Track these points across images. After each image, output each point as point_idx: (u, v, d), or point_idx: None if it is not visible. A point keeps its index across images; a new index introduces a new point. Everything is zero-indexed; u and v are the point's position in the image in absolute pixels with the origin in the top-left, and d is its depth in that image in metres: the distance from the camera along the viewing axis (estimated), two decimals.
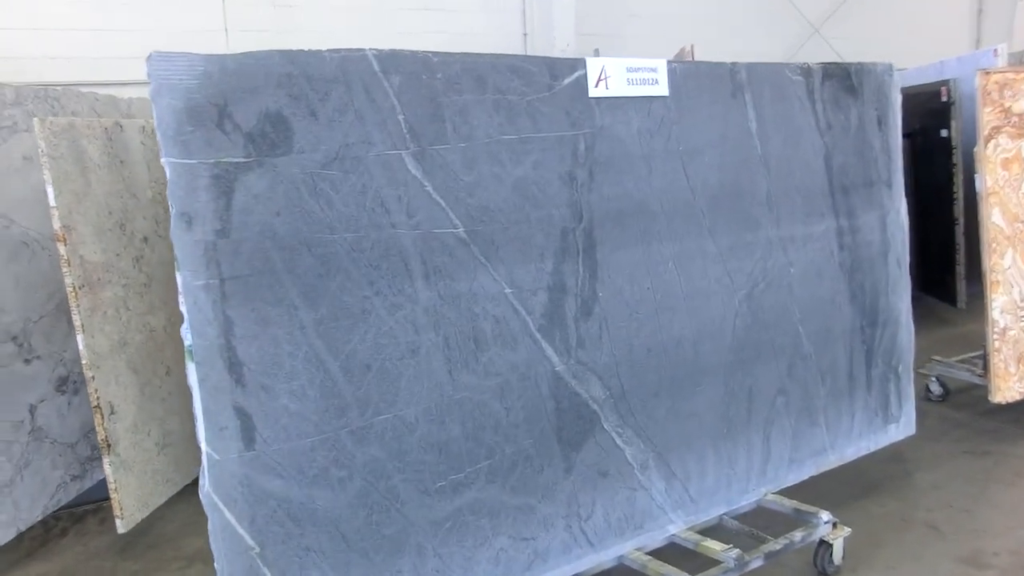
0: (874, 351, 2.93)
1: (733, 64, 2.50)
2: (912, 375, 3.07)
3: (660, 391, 2.36)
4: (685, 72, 2.39)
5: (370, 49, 1.85)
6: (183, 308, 1.65)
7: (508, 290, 2.06)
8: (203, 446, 1.68)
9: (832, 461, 2.82)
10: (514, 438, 2.09)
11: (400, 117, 1.89)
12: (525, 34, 6.12)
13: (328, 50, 1.80)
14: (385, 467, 1.89)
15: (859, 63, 2.84)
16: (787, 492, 2.65)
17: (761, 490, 2.62)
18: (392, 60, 1.88)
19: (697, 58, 4.04)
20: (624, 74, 2.25)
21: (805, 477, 2.74)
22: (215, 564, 1.71)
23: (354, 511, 1.85)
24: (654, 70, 2.31)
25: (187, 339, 1.66)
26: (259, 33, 5.19)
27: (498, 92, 2.03)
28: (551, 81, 2.12)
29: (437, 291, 1.95)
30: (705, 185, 2.44)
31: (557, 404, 2.16)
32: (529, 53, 5.99)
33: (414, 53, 1.91)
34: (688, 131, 2.40)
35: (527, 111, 2.08)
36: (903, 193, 3.01)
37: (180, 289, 1.65)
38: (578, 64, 2.17)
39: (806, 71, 2.68)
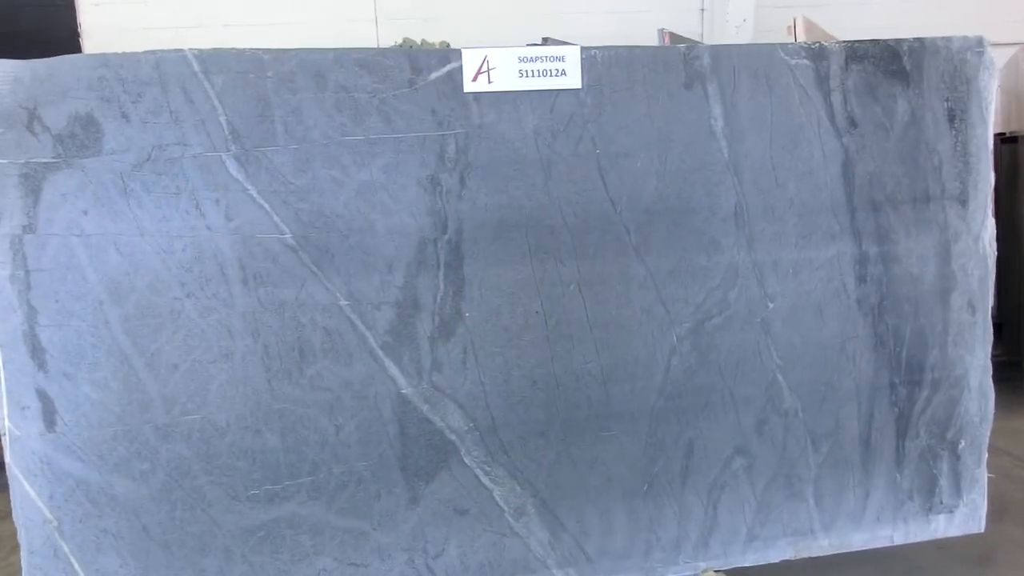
0: (912, 417, 2.25)
1: (689, 47, 2.04)
2: (984, 455, 2.31)
3: (549, 431, 2.06)
4: (610, 60, 2.01)
5: (190, 49, 1.84)
6: None
7: (344, 302, 1.94)
8: (5, 422, 1.84)
9: (824, 547, 2.24)
10: (344, 458, 1.97)
11: (222, 118, 1.85)
12: (703, 9, 5.56)
13: (144, 51, 1.82)
14: (191, 467, 1.91)
15: (916, 39, 2.16)
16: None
17: (699, 564, 2.17)
18: (215, 60, 1.85)
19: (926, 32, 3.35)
20: (515, 65, 1.96)
21: (776, 560, 2.22)
22: (18, 534, 1.87)
23: (156, 504, 1.90)
24: (560, 59, 1.98)
25: None
26: (407, 21, 5.37)
27: (341, 89, 1.90)
28: (412, 76, 1.93)
29: (257, 297, 1.90)
30: (634, 196, 2.05)
31: (402, 429, 1.99)
32: (704, 30, 5.47)
33: (241, 51, 1.86)
34: (611, 131, 2.02)
35: (379, 109, 1.92)
36: (990, 213, 2.24)
37: None
38: (451, 55, 1.94)
39: (815, 53, 2.10)
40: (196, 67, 1.84)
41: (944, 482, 2.28)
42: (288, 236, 1.90)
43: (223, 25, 5.46)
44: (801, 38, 3.28)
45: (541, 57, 1.97)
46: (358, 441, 1.98)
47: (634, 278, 2.07)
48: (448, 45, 3.96)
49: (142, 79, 1.82)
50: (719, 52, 2.06)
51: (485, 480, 2.04)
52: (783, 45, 2.10)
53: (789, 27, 3.45)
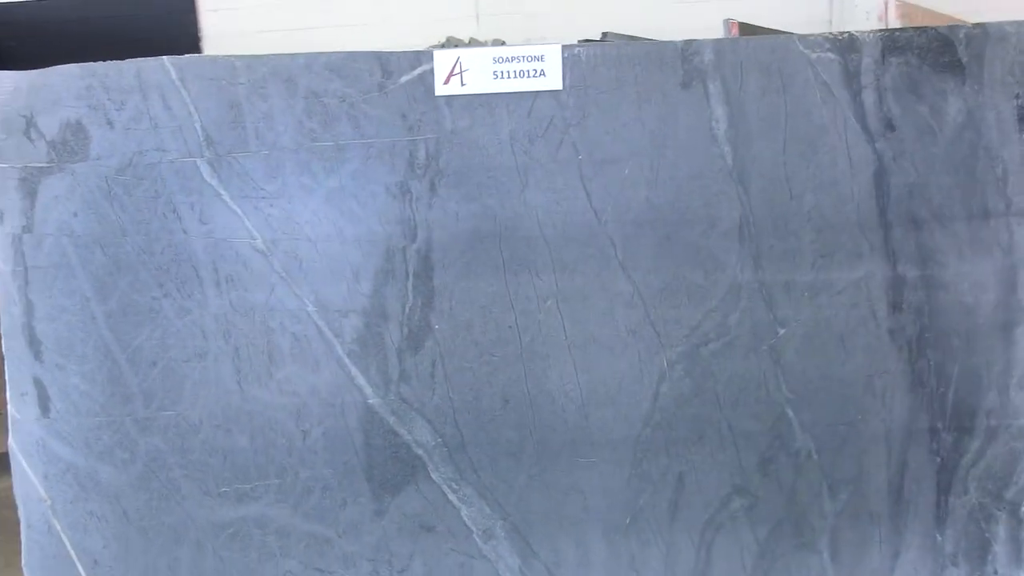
0: (959, 470, 1.92)
1: (688, 42, 1.83)
2: None
3: (522, 453, 1.95)
4: (597, 58, 1.85)
5: (168, 58, 1.88)
6: None
7: (311, 308, 1.92)
8: (8, 406, 1.99)
9: None
10: (311, 463, 1.97)
11: (197, 124, 1.89)
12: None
13: (127, 61, 1.89)
14: (167, 460, 1.98)
15: (976, 25, 1.81)
16: None
17: None
18: (191, 67, 1.88)
19: None
20: (489, 66, 1.85)
21: None
22: (18, 509, 2.03)
23: (136, 492, 1.99)
24: (539, 59, 1.84)
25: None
26: (509, 16, 5.28)
27: (311, 95, 1.87)
28: (383, 79, 1.86)
29: (229, 300, 1.93)
30: (621, 206, 1.88)
31: (367, 440, 1.95)
32: (833, 17, 4.98)
33: (215, 59, 1.88)
34: (595, 135, 1.86)
35: (348, 114, 1.87)
36: None
37: None
38: (423, 57, 1.86)
39: (843, 44, 1.82)
40: (174, 75, 1.88)
41: (1000, 549, 1.93)
42: (259, 241, 1.91)
43: (335, 26, 5.65)
44: (894, 23, 2.87)
45: (518, 57, 1.84)
46: (324, 448, 1.96)
47: (619, 295, 1.90)
48: (501, 42, 3.85)
49: (125, 87, 1.89)
50: (724, 46, 1.83)
51: (453, 498, 1.97)
52: (803, 37, 1.83)
53: (880, 14, 3.02)
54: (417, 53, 1.86)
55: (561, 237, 1.89)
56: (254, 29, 5.47)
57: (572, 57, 1.84)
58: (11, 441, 2.00)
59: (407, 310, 1.92)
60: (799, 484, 1.93)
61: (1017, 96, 1.82)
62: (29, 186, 1.91)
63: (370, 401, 1.94)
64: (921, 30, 1.81)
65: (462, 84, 1.85)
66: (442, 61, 1.85)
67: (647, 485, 1.95)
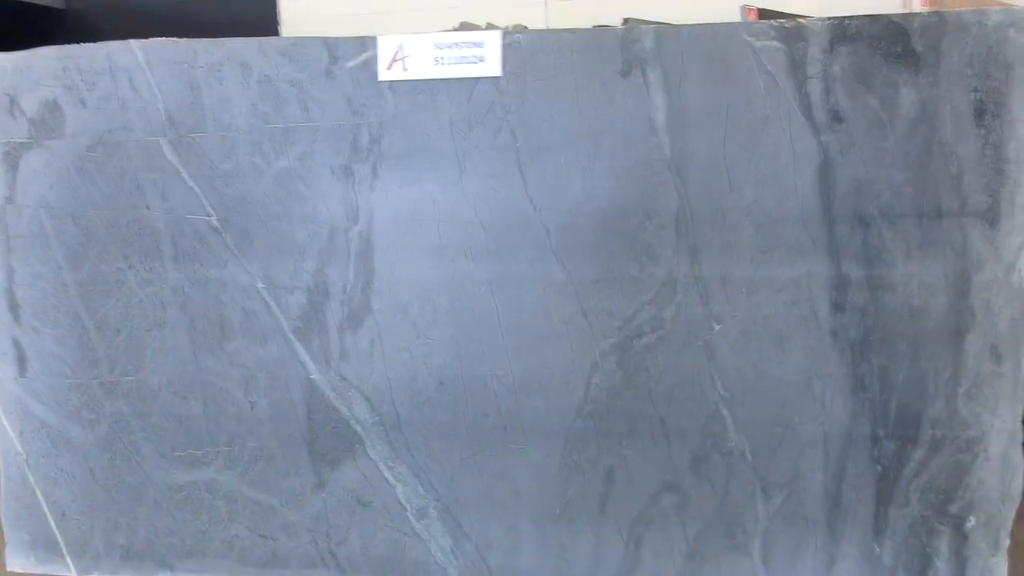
0: (901, 480, 1.84)
1: (628, 29, 1.81)
2: (1005, 541, 1.82)
3: (454, 436, 1.98)
4: (536, 45, 1.85)
5: (135, 41, 1.99)
6: None
7: (260, 284, 2.00)
8: None
9: None
10: (258, 434, 2.05)
11: (160, 106, 1.99)
12: None
13: (99, 44, 2.00)
14: (129, 423, 2.10)
15: (933, 13, 1.72)
16: None
17: None
18: (156, 51, 1.98)
19: None
20: (431, 52, 1.87)
21: None
22: None
23: (101, 451, 2.12)
24: (478, 44, 1.85)
25: None
26: (578, 2, 5.26)
27: (264, 79, 1.94)
28: (330, 65, 1.92)
29: (186, 273, 2.03)
30: (556, 194, 1.87)
31: (309, 414, 2.02)
32: (856, 6, 4.75)
33: (177, 43, 1.97)
34: (533, 122, 1.86)
35: (298, 98, 1.94)
36: None
37: None
38: (368, 43, 1.90)
39: (789, 33, 1.76)
40: (140, 58, 1.99)
41: (942, 565, 1.84)
42: (214, 218, 2.00)
43: (410, 10, 5.76)
44: (918, 8, 2.69)
45: (458, 43, 1.86)
46: (270, 419, 2.04)
47: (553, 284, 1.90)
48: (523, 27, 3.83)
49: (96, 69, 2.00)
50: (665, 33, 1.80)
51: (388, 476, 2.02)
52: (748, 24, 1.78)
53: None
54: (362, 39, 1.90)
55: (498, 223, 1.90)
56: (330, 13, 5.65)
57: (512, 44, 1.85)
58: None
59: (348, 290, 1.97)
60: (732, 484, 1.89)
61: (975, 89, 1.72)
62: (11, 160, 2.06)
63: (312, 376, 2.01)
64: (874, 18, 1.74)
65: (404, 70, 1.89)
66: (385, 47, 1.89)
67: (578, 475, 1.95)
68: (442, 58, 1.87)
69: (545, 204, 1.88)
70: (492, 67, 1.86)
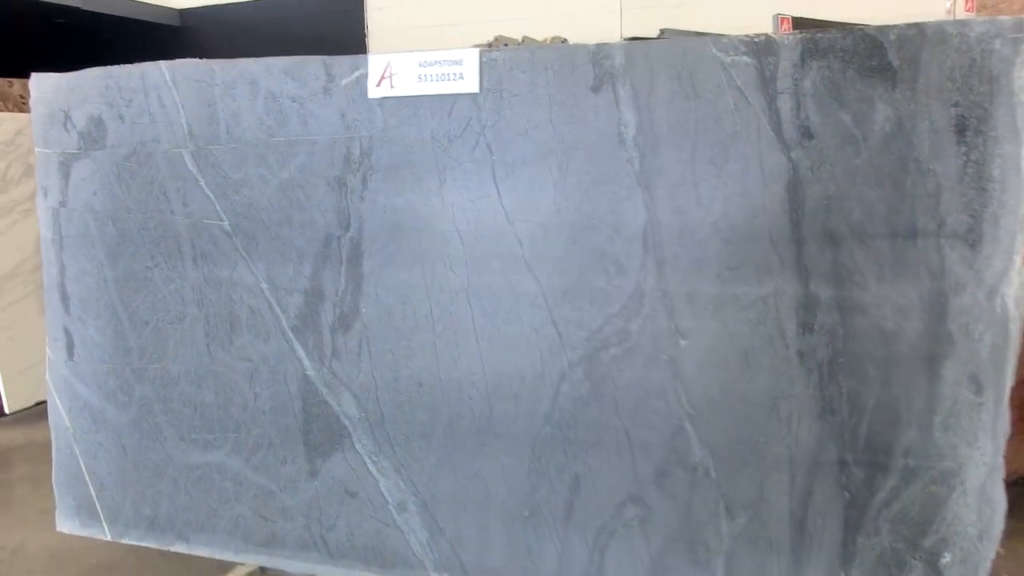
0: (870, 508, 1.77)
1: (599, 46, 1.84)
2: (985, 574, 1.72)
3: (432, 435, 2.07)
4: (513, 62, 1.91)
5: (164, 62, 2.20)
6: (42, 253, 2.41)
7: (264, 285, 2.17)
8: (47, 348, 2.44)
9: None
10: (260, 423, 2.22)
11: (183, 120, 2.19)
12: None
13: (136, 64, 2.23)
14: (154, 407, 2.33)
15: (911, 25, 1.66)
16: None
17: None
18: (180, 70, 2.18)
19: None
20: (415, 70, 1.97)
21: None
22: (51, 433, 2.47)
23: (132, 431, 2.36)
24: (458, 62, 1.94)
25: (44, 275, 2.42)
26: (652, 10, 5.25)
27: (270, 95, 2.11)
28: (327, 83, 2.06)
29: (202, 273, 2.23)
30: (529, 207, 1.93)
31: (304, 406, 2.17)
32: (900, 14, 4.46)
33: (198, 63, 2.17)
34: (508, 137, 1.93)
35: (299, 113, 2.09)
36: (1017, 261, 1.64)
37: (40, 239, 2.40)
38: (360, 62, 2.02)
39: (759, 47, 1.74)
40: (167, 77, 2.20)
41: None
42: (226, 223, 2.19)
43: (484, 22, 5.95)
44: (962, 15, 2.52)
45: (439, 61, 1.95)
46: (271, 410, 2.21)
47: (524, 294, 1.95)
48: (561, 40, 3.85)
49: (132, 87, 2.24)
50: (634, 50, 1.82)
51: (373, 469, 2.13)
52: (717, 39, 1.77)
53: (949, 8, 2.67)
54: (356, 58, 2.03)
55: (474, 234, 1.98)
56: (413, 24, 5.93)
57: (489, 61, 1.92)
58: (48, 377, 2.45)
59: (339, 293, 2.10)
60: (695, 500, 1.88)
61: (956, 104, 1.64)
62: (65, 169, 2.33)
63: (308, 372, 2.16)
64: (847, 31, 1.69)
65: (391, 87, 2.00)
66: (375, 65, 2.00)
67: (544, 481, 1.99)
68: (425, 75, 1.97)
69: (518, 216, 1.94)
70: (471, 84, 1.93)
